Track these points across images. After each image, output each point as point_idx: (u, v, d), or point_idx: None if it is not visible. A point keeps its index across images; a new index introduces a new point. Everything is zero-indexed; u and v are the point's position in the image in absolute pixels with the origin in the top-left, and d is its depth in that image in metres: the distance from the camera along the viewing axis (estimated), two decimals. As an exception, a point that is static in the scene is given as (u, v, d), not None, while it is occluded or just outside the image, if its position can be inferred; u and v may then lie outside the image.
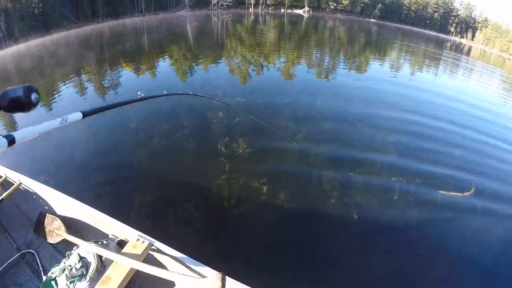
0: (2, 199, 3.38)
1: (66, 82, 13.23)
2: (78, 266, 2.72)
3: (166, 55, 19.27)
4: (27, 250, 3.50)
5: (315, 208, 5.72)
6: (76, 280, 2.68)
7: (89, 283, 2.65)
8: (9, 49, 32.19)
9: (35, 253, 3.45)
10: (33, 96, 1.19)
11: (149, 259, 2.66)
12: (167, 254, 2.57)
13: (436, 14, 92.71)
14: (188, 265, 2.49)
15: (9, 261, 3.37)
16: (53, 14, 42.29)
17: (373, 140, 8.44)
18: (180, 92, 4.27)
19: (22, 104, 1.18)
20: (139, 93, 2.65)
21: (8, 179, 3.69)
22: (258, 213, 5.47)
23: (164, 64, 16.30)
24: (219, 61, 17.40)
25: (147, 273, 2.22)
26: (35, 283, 3.18)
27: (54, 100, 10.97)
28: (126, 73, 14.24)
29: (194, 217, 5.18)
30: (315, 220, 5.46)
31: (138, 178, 6.19)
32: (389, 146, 8.14)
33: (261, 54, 20.06)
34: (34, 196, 3.60)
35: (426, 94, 14.89)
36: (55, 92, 11.83)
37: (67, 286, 2.68)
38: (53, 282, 2.77)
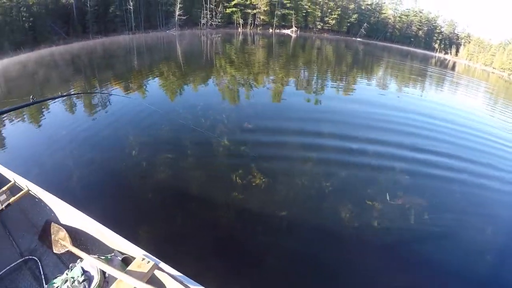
0: (9, 203, 3.39)
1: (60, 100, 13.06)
2: (81, 279, 2.66)
3: (156, 73, 19.30)
4: (30, 257, 3.49)
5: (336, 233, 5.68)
6: None
7: None
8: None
9: (38, 261, 3.44)
10: None
11: (153, 280, 2.58)
12: (172, 276, 2.50)
13: (420, 32, 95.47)
14: None
15: (11, 265, 3.37)
16: (43, 29, 42.33)
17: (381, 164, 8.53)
18: (81, 92, 4.11)
19: None
20: (31, 96, 2.58)
21: (16, 184, 3.67)
22: (274, 242, 5.33)
23: (154, 83, 16.24)
24: (207, 81, 17.47)
25: None
26: None
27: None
28: (116, 92, 14.08)
29: (203, 241, 5.11)
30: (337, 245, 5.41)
31: (146, 198, 6.12)
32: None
33: (250, 74, 20.20)
34: (42, 204, 3.57)
35: (416, 108, 15.26)
36: (43, 108, 11.69)
37: None
38: None
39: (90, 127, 9.74)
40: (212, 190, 6.58)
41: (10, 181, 3.68)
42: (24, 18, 41.23)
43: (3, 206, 3.35)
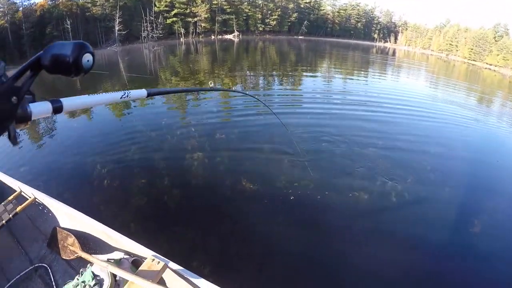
0: (17, 212, 3.43)
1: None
2: (92, 283, 2.72)
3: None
4: (40, 264, 3.53)
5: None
6: None
7: None
8: None
9: (48, 268, 3.48)
10: (85, 59, 0.82)
11: (163, 281, 2.64)
12: (183, 276, 2.53)
13: (359, 24, 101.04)
14: None
15: (22, 273, 3.41)
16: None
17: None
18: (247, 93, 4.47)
19: (67, 66, 0.79)
20: (210, 83, 2.53)
21: (22, 193, 3.73)
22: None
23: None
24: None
25: None
26: None
27: None
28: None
29: (211, 240, 5.11)
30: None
31: (153, 198, 6.17)
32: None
33: (196, 82, 20.34)
34: (48, 211, 3.65)
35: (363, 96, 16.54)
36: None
37: None
38: None
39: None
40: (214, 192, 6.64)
41: (15, 191, 3.76)
42: None
43: (11, 216, 3.40)
